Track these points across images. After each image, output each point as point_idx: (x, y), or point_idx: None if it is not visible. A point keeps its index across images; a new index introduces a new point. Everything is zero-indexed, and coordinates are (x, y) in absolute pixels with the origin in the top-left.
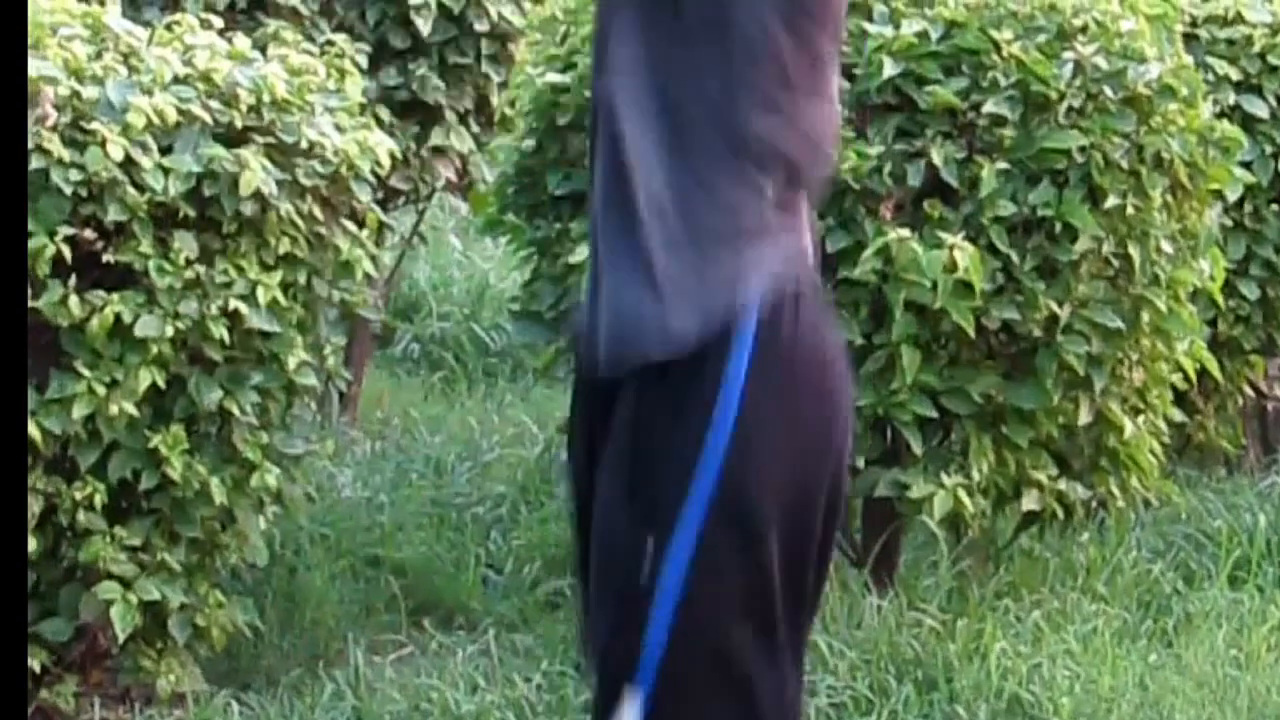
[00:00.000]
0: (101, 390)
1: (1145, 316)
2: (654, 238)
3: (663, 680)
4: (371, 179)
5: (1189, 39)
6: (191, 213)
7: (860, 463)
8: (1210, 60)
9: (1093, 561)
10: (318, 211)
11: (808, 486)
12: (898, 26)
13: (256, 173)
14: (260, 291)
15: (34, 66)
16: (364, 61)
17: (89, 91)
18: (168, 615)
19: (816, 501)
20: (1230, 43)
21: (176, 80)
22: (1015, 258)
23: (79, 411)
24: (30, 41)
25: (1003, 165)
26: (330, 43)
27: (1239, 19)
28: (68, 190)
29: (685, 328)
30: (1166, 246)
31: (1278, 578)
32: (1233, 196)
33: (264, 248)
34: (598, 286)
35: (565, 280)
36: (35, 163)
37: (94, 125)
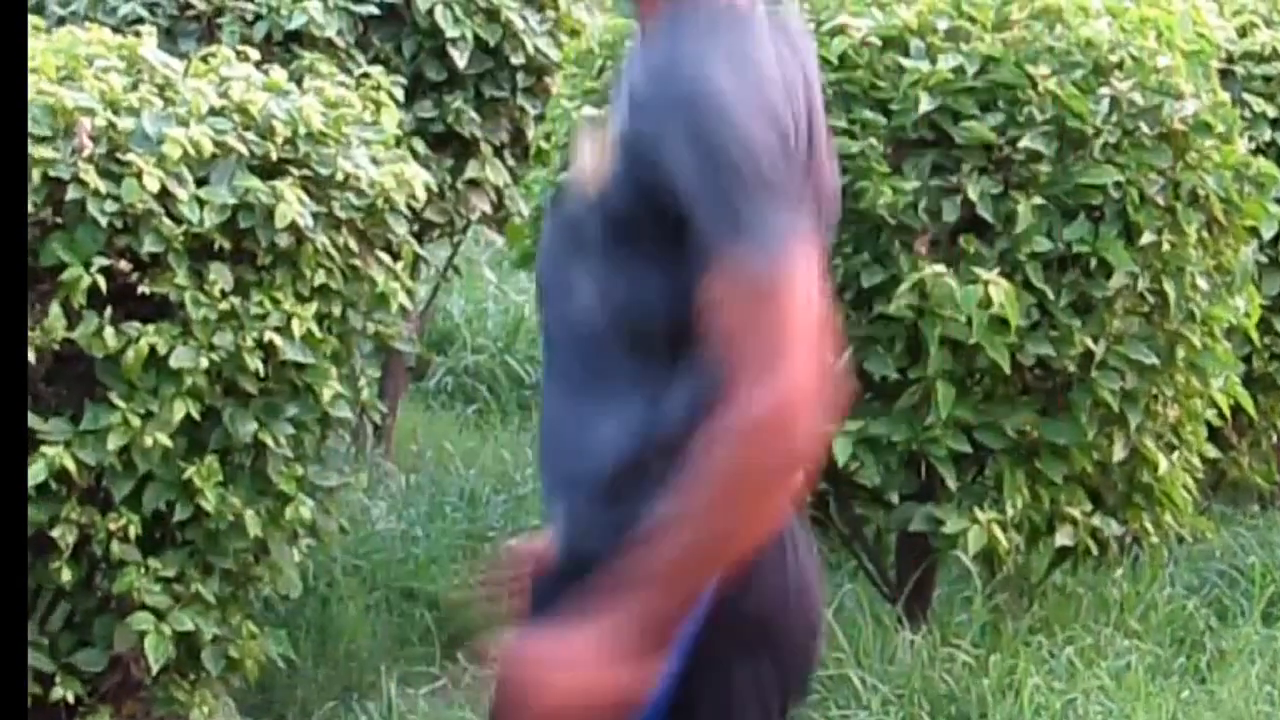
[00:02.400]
0: (136, 421)
1: (1180, 352)
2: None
3: None
4: (407, 211)
5: (1225, 75)
6: (227, 244)
7: (894, 497)
8: (1247, 96)
9: (1126, 597)
10: (353, 244)
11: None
12: (934, 61)
13: (292, 205)
14: (295, 323)
15: (70, 98)
16: (400, 94)
17: (125, 123)
18: (201, 646)
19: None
20: (1267, 79)
21: (212, 112)
22: (1050, 293)
23: (114, 443)
24: (66, 72)
25: (1038, 201)
26: (366, 75)
27: (1275, 55)
28: (103, 221)
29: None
30: (1202, 283)
31: None
32: (1268, 233)
33: (299, 280)
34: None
35: None
36: (71, 193)
37: (130, 156)
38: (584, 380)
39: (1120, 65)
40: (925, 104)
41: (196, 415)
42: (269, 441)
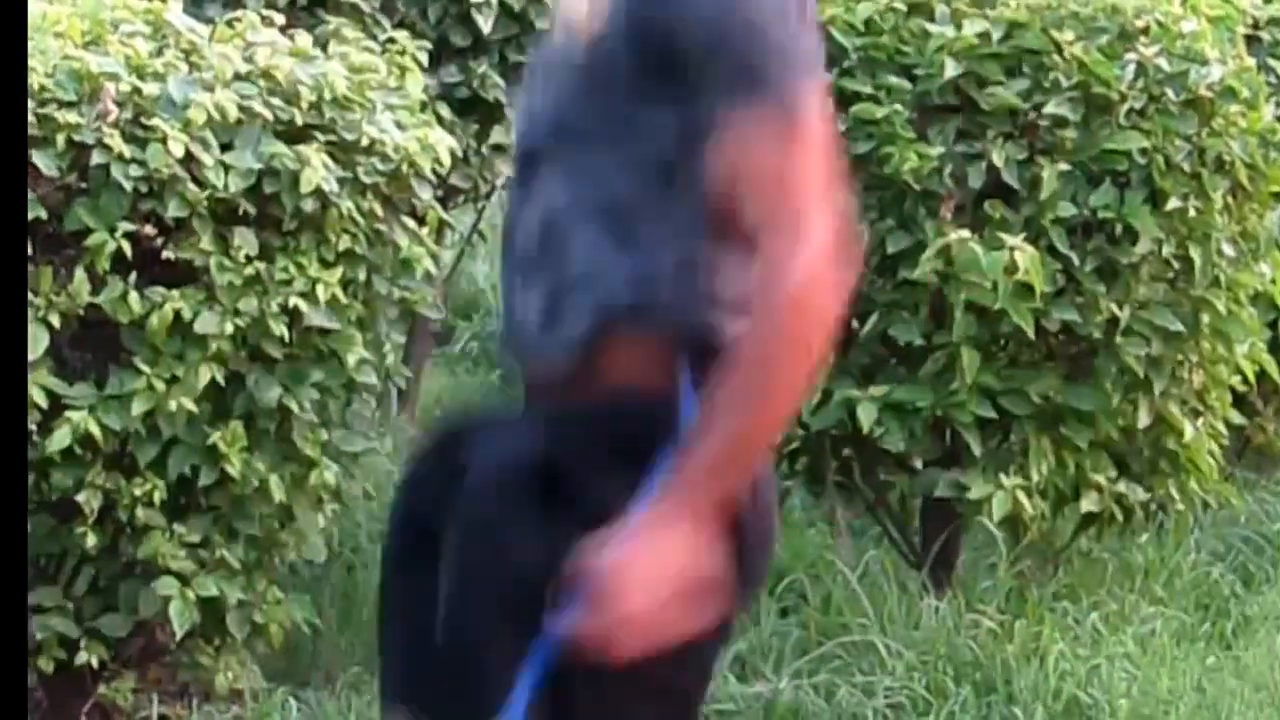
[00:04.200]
0: (161, 386)
1: (1205, 319)
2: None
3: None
4: (432, 177)
5: (1251, 41)
6: (252, 209)
7: (919, 463)
8: (1272, 62)
9: (1151, 564)
10: (378, 209)
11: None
12: (959, 27)
13: (317, 170)
14: (320, 289)
15: (95, 62)
16: (425, 59)
17: (150, 88)
18: (226, 612)
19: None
20: None
21: (238, 77)
22: (1076, 259)
23: (138, 408)
24: (92, 37)
25: (1064, 167)
26: (391, 40)
27: None
28: (128, 186)
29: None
30: (1227, 249)
31: None
32: None
33: (324, 245)
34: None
35: None
36: (96, 159)
37: (155, 121)
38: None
39: (1146, 31)
40: (950, 70)
41: (221, 380)
42: (294, 407)
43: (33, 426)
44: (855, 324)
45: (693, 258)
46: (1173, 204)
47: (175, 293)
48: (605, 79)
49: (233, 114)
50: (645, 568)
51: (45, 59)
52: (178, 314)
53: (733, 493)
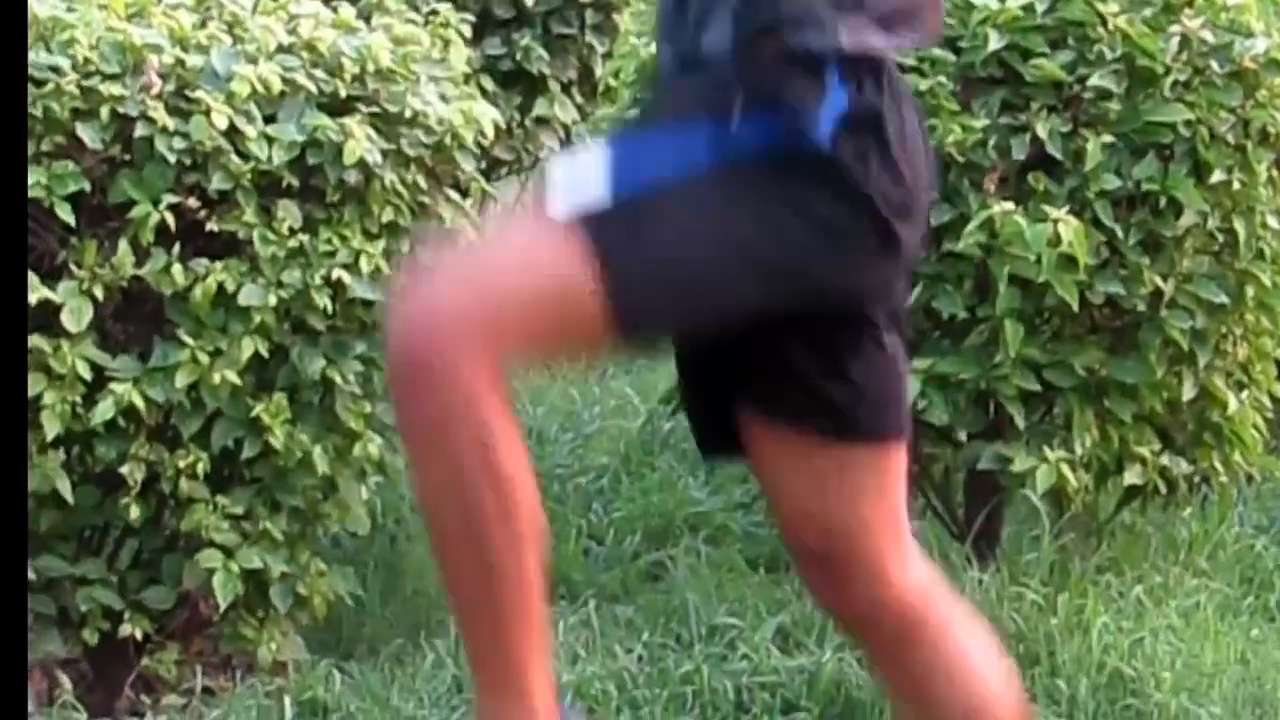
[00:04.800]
0: (205, 359)
1: (1250, 291)
2: None
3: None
4: (475, 149)
5: None
6: (295, 182)
7: (963, 436)
8: None
9: (1195, 537)
10: (421, 181)
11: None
12: (1003, 0)
13: (361, 142)
14: (363, 261)
15: (139, 35)
16: (468, 31)
17: (193, 60)
18: (269, 584)
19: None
20: None
21: (281, 49)
22: (1120, 232)
23: (182, 380)
24: (135, 9)
25: (1108, 139)
26: (434, 12)
27: None
28: (171, 159)
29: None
30: (1272, 221)
31: None
32: None
33: (367, 217)
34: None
35: None
36: (140, 130)
37: (198, 94)
38: None
39: (1190, 3)
40: (994, 42)
41: (264, 352)
42: (337, 379)
43: (77, 399)
44: None
45: None
46: (1217, 176)
47: (219, 265)
48: None
49: (276, 86)
50: None
51: (89, 31)
52: (221, 286)
53: None
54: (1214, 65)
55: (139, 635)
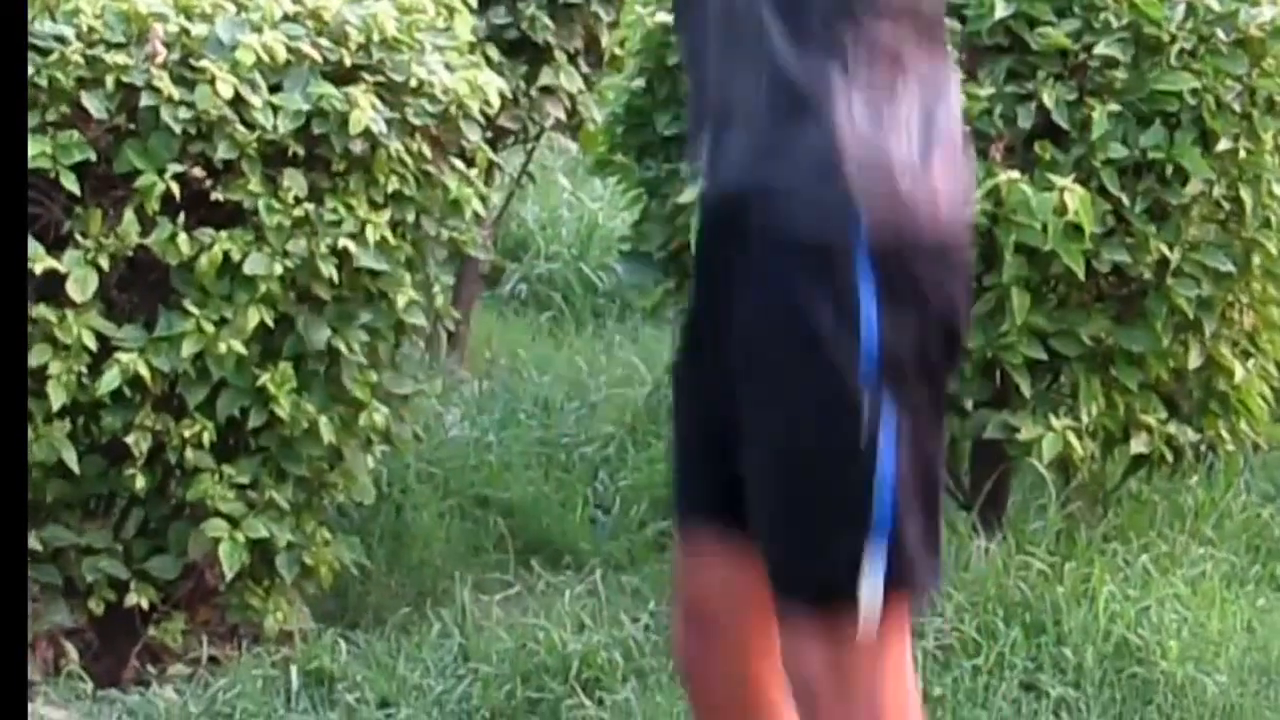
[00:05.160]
0: (210, 328)
1: (1256, 260)
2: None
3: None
4: (480, 118)
5: None
6: (300, 151)
7: (969, 405)
8: None
9: (1201, 505)
10: (427, 150)
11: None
12: None
13: (366, 111)
14: (369, 230)
15: (144, 3)
16: (473, 0)
17: (198, 29)
18: (275, 553)
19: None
20: None
21: (286, 18)
22: (1126, 200)
23: (187, 349)
24: None
25: (1114, 107)
26: None
27: None
28: (177, 128)
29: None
30: (1278, 189)
31: None
32: None
33: (373, 186)
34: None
35: (675, 220)
36: (145, 100)
37: (203, 63)
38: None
39: None
40: (1000, 10)
41: (270, 322)
42: (343, 348)
43: (82, 369)
44: None
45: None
46: (1223, 145)
47: (224, 234)
48: None
49: (281, 55)
50: None
51: (94, 0)
52: (226, 255)
53: None
54: (1220, 33)
55: (145, 605)
